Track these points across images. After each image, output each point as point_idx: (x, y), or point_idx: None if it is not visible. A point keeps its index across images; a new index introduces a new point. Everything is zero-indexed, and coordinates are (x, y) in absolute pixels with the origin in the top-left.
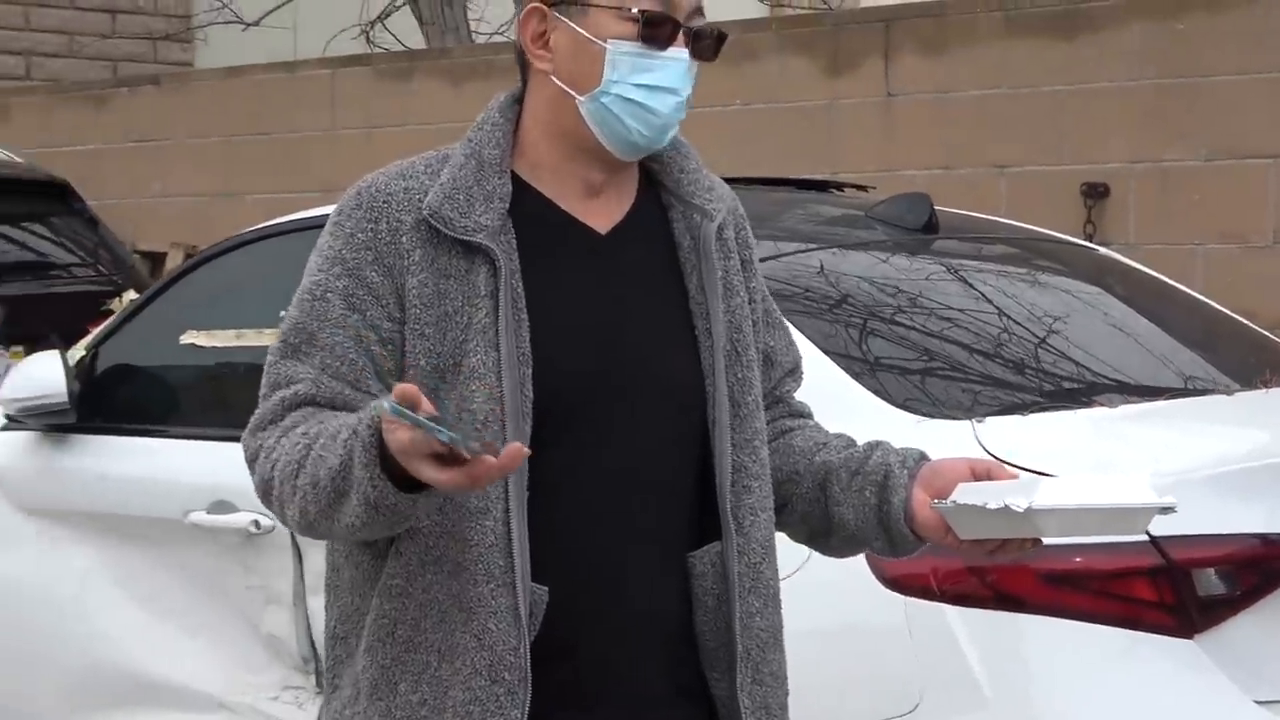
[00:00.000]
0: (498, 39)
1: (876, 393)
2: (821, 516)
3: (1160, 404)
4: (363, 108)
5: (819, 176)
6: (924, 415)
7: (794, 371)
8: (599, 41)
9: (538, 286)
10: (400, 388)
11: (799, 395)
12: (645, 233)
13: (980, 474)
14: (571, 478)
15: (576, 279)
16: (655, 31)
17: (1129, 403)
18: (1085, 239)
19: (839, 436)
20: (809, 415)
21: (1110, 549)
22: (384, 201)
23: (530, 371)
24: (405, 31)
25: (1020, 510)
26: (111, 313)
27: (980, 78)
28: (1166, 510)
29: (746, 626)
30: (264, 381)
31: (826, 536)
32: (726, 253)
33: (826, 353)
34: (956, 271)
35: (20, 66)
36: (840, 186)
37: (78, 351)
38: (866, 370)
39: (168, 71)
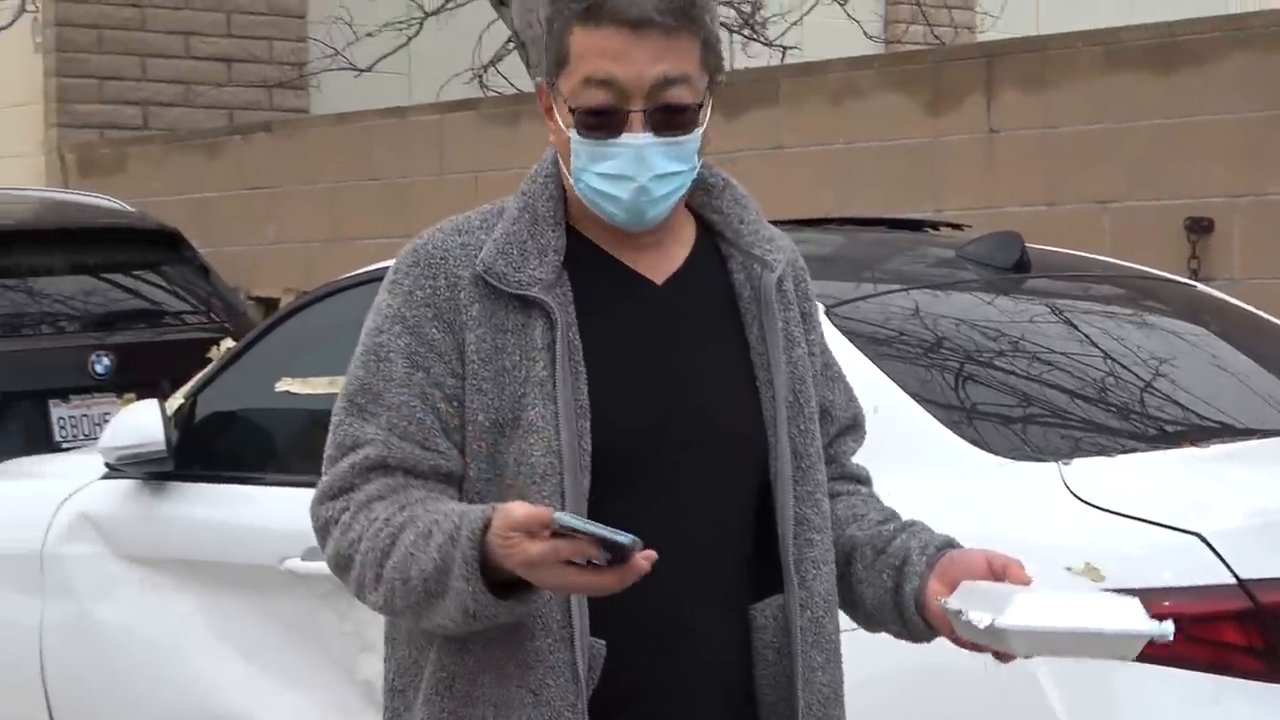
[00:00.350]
0: None
1: (958, 433)
2: (846, 590)
3: (1254, 444)
4: (470, 152)
5: (918, 215)
6: (1008, 457)
7: (853, 429)
8: (564, 129)
9: (595, 338)
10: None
11: (867, 450)
12: (704, 282)
13: (997, 570)
14: (631, 530)
15: (634, 330)
16: (598, 124)
17: (1223, 442)
18: (1189, 274)
19: (880, 509)
20: (864, 480)
21: (1198, 592)
22: (441, 258)
23: (588, 424)
24: (518, 74)
25: (982, 627)
26: (211, 360)
27: (1082, 112)
28: (1161, 638)
29: (809, 681)
30: (330, 442)
31: (852, 610)
32: (786, 304)
33: (908, 393)
34: (1046, 311)
35: (138, 117)
36: (935, 225)
37: (177, 399)
38: (948, 411)
39: (282, 119)
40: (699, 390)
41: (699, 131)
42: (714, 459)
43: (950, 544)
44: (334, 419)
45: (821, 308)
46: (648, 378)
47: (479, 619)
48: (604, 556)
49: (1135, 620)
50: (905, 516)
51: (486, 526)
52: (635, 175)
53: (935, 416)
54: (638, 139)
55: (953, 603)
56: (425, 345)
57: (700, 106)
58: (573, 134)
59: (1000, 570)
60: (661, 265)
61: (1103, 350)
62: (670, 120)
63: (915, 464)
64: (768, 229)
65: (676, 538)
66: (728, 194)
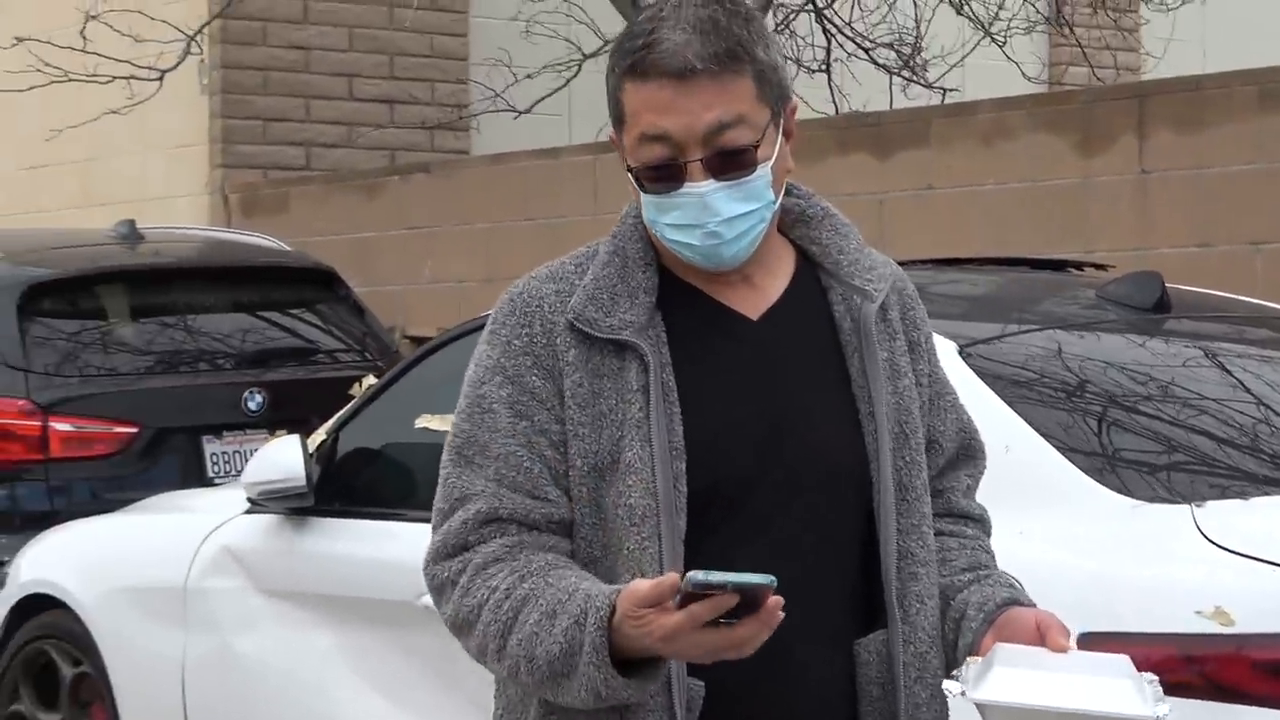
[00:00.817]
0: None
1: (1091, 475)
2: None
3: None
4: (624, 192)
5: (1066, 256)
6: (1140, 499)
7: (966, 460)
8: (633, 182)
9: (690, 378)
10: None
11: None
12: (802, 315)
13: (1042, 632)
14: (731, 568)
15: (730, 368)
16: (657, 177)
17: None
18: None
19: (970, 556)
20: (976, 519)
21: None
22: (536, 306)
23: (684, 465)
24: None
25: (954, 694)
26: (354, 397)
27: (1236, 153)
28: None
29: (913, 718)
30: (439, 494)
31: None
32: (891, 334)
33: (1043, 435)
34: (1184, 352)
35: (300, 157)
36: (1079, 266)
37: (319, 436)
38: (1081, 453)
39: (441, 160)
40: (798, 426)
41: (766, 167)
42: (815, 495)
43: (1014, 600)
44: (442, 471)
45: (950, 343)
46: (744, 416)
47: (608, 700)
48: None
49: (1127, 702)
50: (998, 567)
51: (613, 611)
52: (703, 222)
53: (1068, 457)
54: (699, 187)
55: (975, 665)
56: (527, 394)
57: (760, 142)
58: (639, 188)
59: (1044, 633)
60: (757, 300)
61: (1240, 392)
62: (729, 163)
63: (1048, 505)
64: (869, 257)
65: (778, 573)
66: (827, 224)
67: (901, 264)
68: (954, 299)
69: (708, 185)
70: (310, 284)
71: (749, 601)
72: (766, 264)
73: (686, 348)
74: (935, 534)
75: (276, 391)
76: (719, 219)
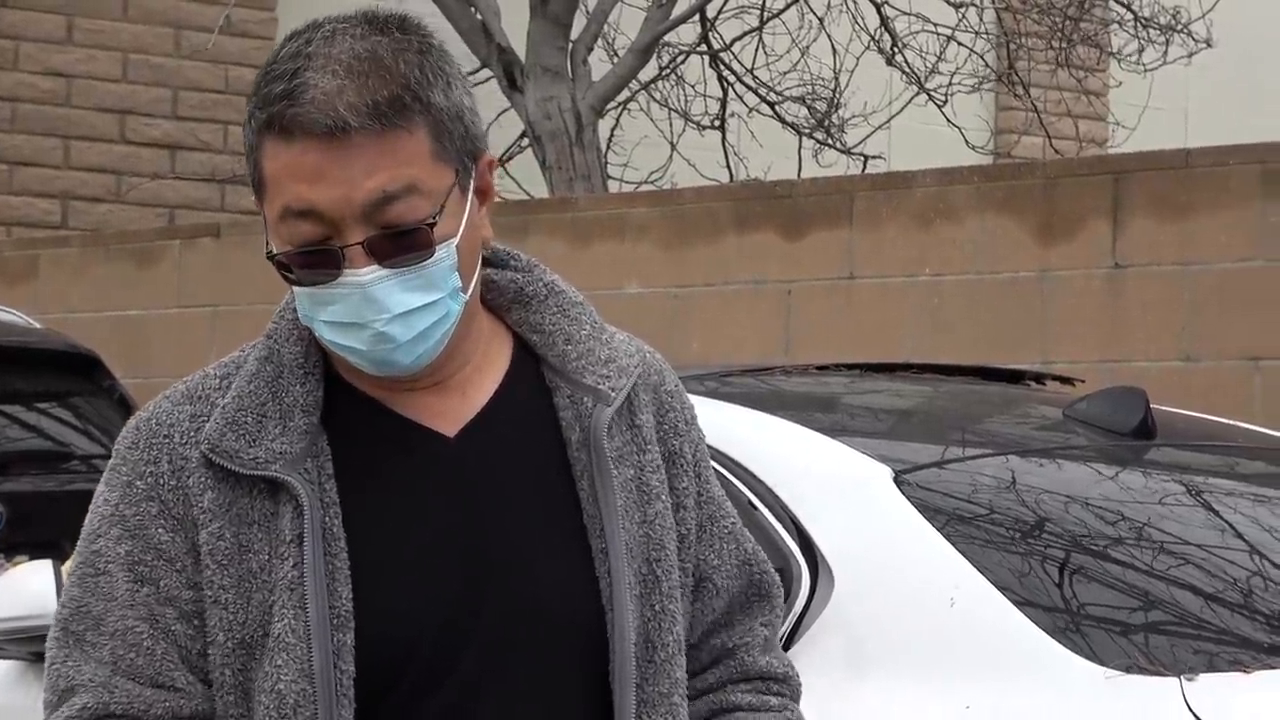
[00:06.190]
0: (647, 188)
1: (1057, 638)
2: None
3: None
4: None
5: (1018, 365)
6: (1119, 669)
7: (757, 603)
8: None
9: (363, 521)
10: None
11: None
12: (516, 427)
13: None
14: None
15: (416, 503)
16: (307, 263)
17: None
18: None
19: None
20: (779, 679)
21: None
22: (165, 436)
23: (350, 638)
24: (530, 175)
25: None
26: None
27: (1229, 246)
28: None
29: None
30: (45, 682)
31: None
32: (641, 445)
33: (997, 586)
34: (1174, 488)
35: (55, 212)
36: (1040, 378)
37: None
38: (1043, 608)
39: (234, 221)
40: (507, 572)
41: (449, 246)
42: (534, 658)
43: None
44: (48, 652)
45: (883, 468)
46: (437, 565)
47: None
48: None
49: None
50: None
51: None
52: (368, 320)
53: (1026, 614)
54: (361, 275)
55: None
56: (151, 551)
57: (440, 215)
58: (285, 276)
59: None
60: (455, 410)
61: (1243, 540)
62: (399, 245)
63: (1001, 673)
64: (606, 346)
65: None
66: (551, 305)
67: (819, 369)
68: (883, 413)
69: (370, 273)
70: (64, 371)
71: None
72: (468, 362)
73: (359, 481)
74: (729, 709)
75: (17, 506)
76: (388, 315)
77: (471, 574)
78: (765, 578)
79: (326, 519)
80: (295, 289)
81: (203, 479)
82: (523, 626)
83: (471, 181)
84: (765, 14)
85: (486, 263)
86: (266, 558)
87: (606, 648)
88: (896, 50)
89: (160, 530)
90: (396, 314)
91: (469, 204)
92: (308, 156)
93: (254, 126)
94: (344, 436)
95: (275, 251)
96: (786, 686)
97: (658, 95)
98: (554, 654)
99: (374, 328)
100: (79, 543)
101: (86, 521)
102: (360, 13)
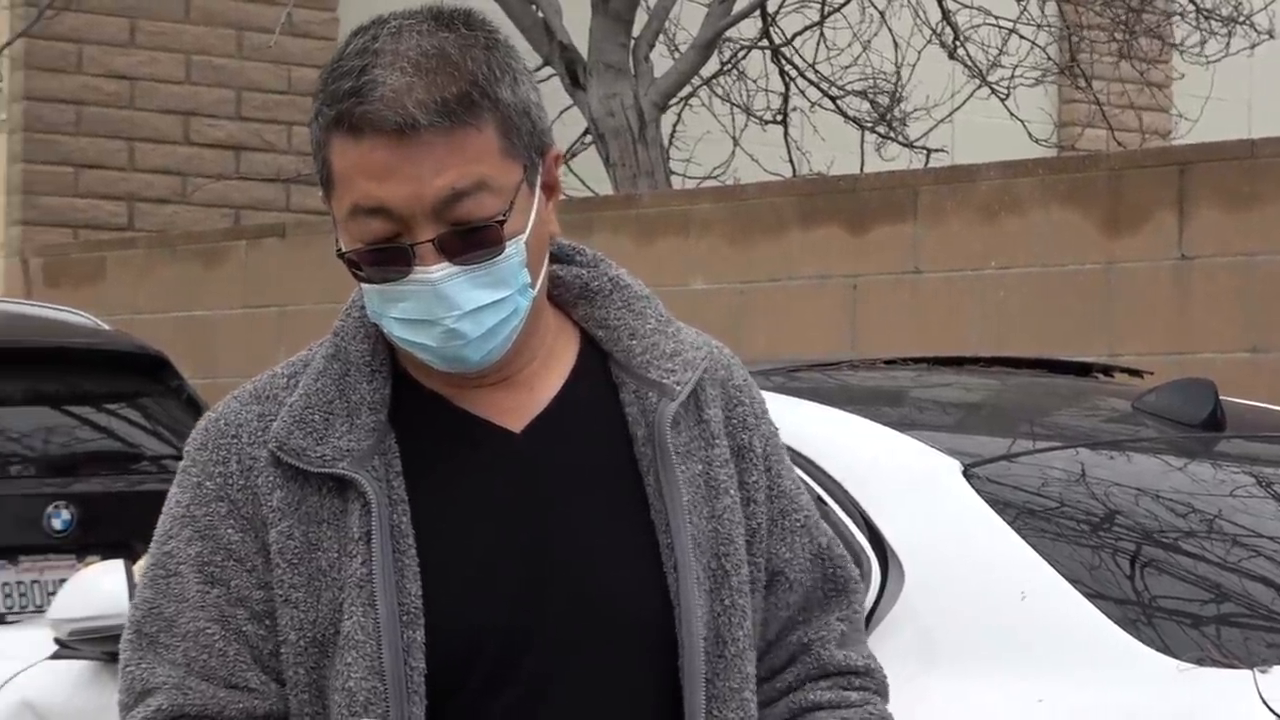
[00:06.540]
0: (711, 183)
1: (1127, 629)
2: None
3: None
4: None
5: (1085, 358)
6: (1191, 662)
7: (834, 598)
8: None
9: (431, 517)
10: None
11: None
12: (583, 423)
13: None
14: None
15: (483, 500)
16: (378, 260)
17: None
18: None
19: None
20: (858, 671)
21: None
22: (233, 436)
23: (421, 635)
24: (593, 172)
25: None
26: None
27: None
28: None
29: None
30: (120, 684)
31: None
32: (709, 439)
33: (1068, 579)
34: (1244, 480)
35: (121, 214)
36: (1108, 370)
37: (146, 562)
38: (1114, 600)
39: (299, 221)
40: (574, 569)
41: (519, 242)
42: (601, 655)
43: None
44: (121, 654)
45: (952, 461)
46: (503, 562)
47: None
48: None
49: None
50: None
51: None
52: (438, 317)
53: (1099, 608)
54: (431, 273)
55: None
56: (221, 552)
57: (510, 212)
58: (354, 274)
59: None
60: (522, 407)
61: None
62: (469, 242)
63: (1072, 667)
64: (673, 340)
65: None
66: (616, 299)
67: (886, 363)
68: (951, 407)
69: (441, 270)
70: (133, 372)
71: None
72: (535, 358)
73: (426, 478)
74: (809, 709)
75: (88, 507)
76: (459, 313)
77: (537, 571)
78: (841, 571)
79: (394, 516)
80: (364, 286)
81: (271, 478)
82: (590, 623)
83: (539, 177)
84: (826, 8)
85: (553, 259)
86: (335, 555)
87: (675, 644)
88: (958, 43)
89: (230, 530)
90: (466, 311)
91: (536, 200)
92: (376, 154)
93: (321, 123)
94: (411, 433)
95: (345, 249)
96: (870, 679)
97: (720, 91)
98: (622, 651)
99: (444, 324)
100: (152, 544)
101: (159, 523)
102: (426, 9)
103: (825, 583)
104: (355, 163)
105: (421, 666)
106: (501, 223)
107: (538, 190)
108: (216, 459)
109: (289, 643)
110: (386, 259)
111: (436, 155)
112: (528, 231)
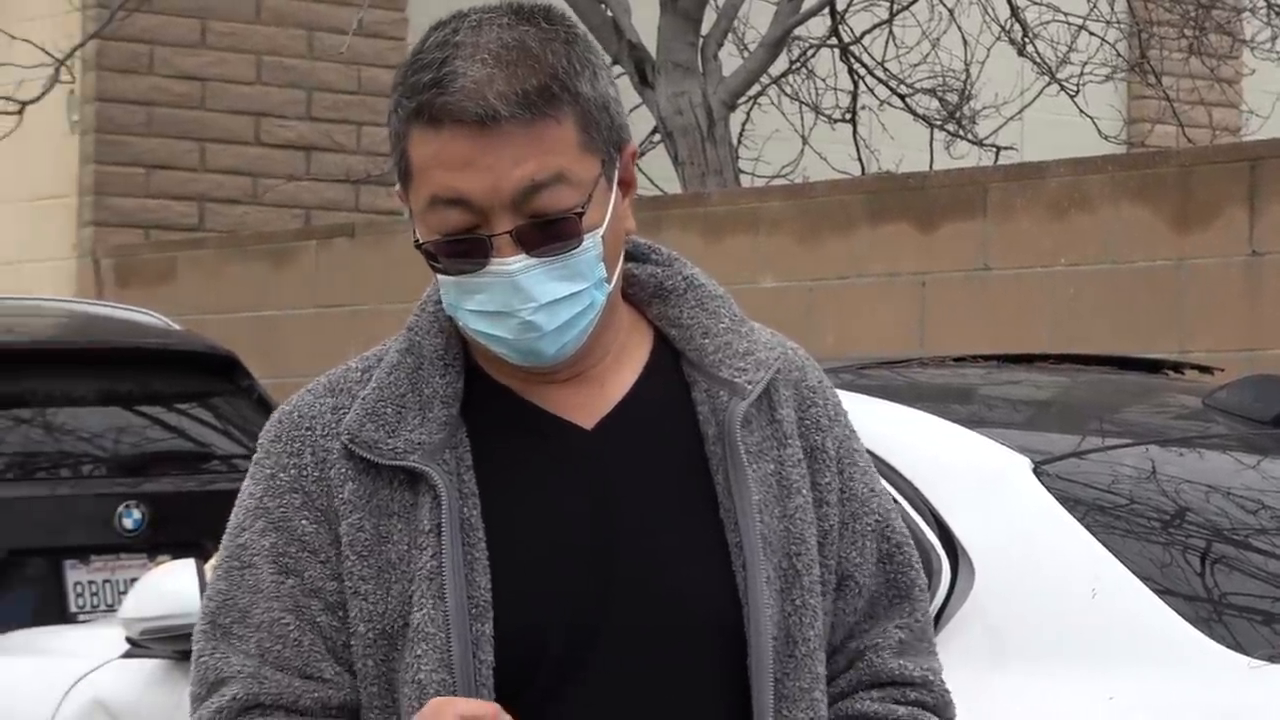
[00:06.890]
0: (780, 181)
1: (1198, 626)
2: None
3: None
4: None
5: (1155, 355)
6: (1263, 659)
7: (896, 604)
8: (425, 258)
9: (502, 512)
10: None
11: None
12: (654, 420)
13: None
14: None
15: (554, 495)
16: (455, 251)
17: None
18: None
19: None
20: (913, 682)
21: None
22: (307, 428)
23: (489, 628)
24: (663, 171)
25: None
26: None
27: None
28: None
29: None
30: (193, 674)
31: None
32: (781, 439)
33: (1139, 576)
34: None
35: (192, 214)
36: (1178, 367)
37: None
38: (1185, 597)
39: (369, 221)
40: (643, 567)
41: (596, 235)
42: (670, 654)
43: None
44: (195, 645)
45: (1022, 458)
46: (571, 559)
47: None
48: None
49: None
50: None
51: None
52: (514, 309)
53: (1170, 605)
54: (508, 264)
55: None
56: (296, 543)
57: (588, 204)
58: (432, 265)
59: None
60: (594, 403)
61: None
62: (547, 234)
63: (1144, 663)
64: (746, 339)
65: None
66: (690, 299)
67: (955, 360)
68: (1021, 404)
69: (518, 262)
70: (203, 372)
71: None
72: (607, 354)
73: (497, 472)
74: (853, 718)
75: (159, 506)
76: (535, 305)
77: (606, 568)
78: (903, 576)
79: (465, 509)
80: (441, 277)
81: (344, 470)
82: (658, 622)
83: (616, 172)
84: (895, 6)
85: (628, 257)
86: (405, 548)
87: (744, 643)
88: (1027, 40)
89: (304, 522)
90: (543, 303)
91: (614, 195)
92: (456, 145)
93: (401, 115)
94: (483, 428)
95: (422, 240)
96: (926, 692)
97: (788, 89)
98: (690, 649)
99: (520, 316)
100: (225, 536)
101: (232, 515)
102: (506, 3)
103: (889, 588)
104: (435, 154)
105: (490, 660)
106: (579, 215)
107: (615, 185)
108: (290, 450)
109: (358, 634)
110: (464, 250)
111: (516, 147)
112: (605, 225)
